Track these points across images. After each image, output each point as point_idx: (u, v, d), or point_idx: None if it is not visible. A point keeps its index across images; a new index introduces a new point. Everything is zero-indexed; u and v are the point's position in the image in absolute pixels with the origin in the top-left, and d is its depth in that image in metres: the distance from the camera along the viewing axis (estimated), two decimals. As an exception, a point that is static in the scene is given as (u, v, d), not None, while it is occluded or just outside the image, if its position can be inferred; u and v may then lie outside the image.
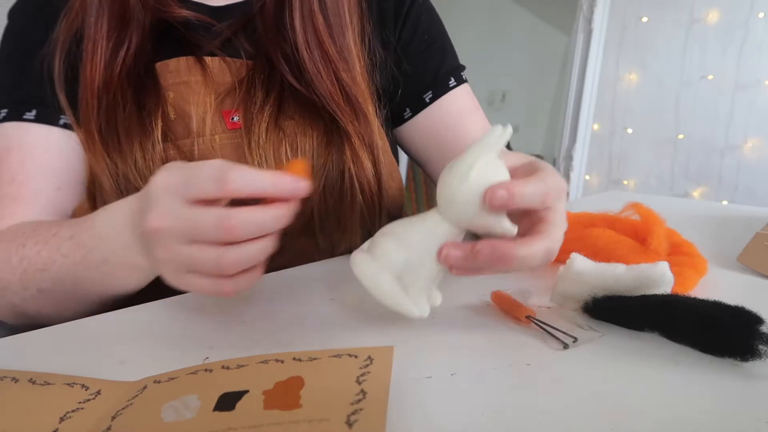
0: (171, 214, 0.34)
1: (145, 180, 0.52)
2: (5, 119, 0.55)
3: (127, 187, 0.53)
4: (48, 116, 0.56)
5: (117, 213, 0.42)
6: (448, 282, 0.41)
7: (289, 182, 0.34)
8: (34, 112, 0.55)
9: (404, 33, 0.66)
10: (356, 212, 0.59)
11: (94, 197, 0.56)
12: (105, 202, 0.54)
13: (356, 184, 0.58)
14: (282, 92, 0.57)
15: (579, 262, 0.44)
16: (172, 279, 0.37)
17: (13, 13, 0.60)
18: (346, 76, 0.58)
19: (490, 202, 0.33)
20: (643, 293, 0.41)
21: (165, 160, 0.54)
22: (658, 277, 0.42)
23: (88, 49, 0.54)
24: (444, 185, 0.35)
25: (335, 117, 0.57)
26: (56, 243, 0.46)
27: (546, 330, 0.39)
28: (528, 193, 0.34)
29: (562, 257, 0.47)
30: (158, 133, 0.53)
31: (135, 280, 0.45)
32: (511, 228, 0.34)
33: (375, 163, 0.59)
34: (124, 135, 0.53)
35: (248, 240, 0.34)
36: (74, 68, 0.55)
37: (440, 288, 0.39)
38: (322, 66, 0.57)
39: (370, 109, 0.60)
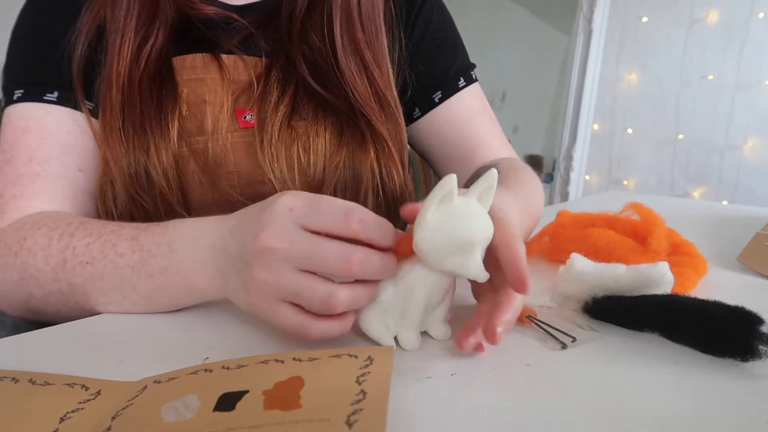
0: (290, 236, 0.33)
1: (161, 178, 0.52)
2: (21, 99, 0.54)
3: (138, 182, 0.52)
4: (71, 99, 0.55)
5: (198, 228, 0.41)
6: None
7: (398, 239, 0.35)
8: (55, 94, 0.54)
9: (416, 31, 0.66)
10: None
11: (104, 194, 0.55)
12: (115, 200, 0.54)
13: (378, 188, 0.58)
14: (297, 92, 0.57)
15: (579, 262, 0.44)
16: (261, 303, 0.35)
17: None
18: (381, 82, 0.59)
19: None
20: (643, 293, 0.41)
21: (178, 158, 0.54)
22: (658, 277, 0.42)
23: (115, 43, 0.53)
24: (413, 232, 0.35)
25: (352, 120, 0.57)
26: (113, 239, 0.43)
27: (546, 330, 0.39)
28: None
29: (562, 257, 0.47)
30: (174, 132, 0.53)
31: (178, 301, 0.43)
32: (484, 275, 0.33)
33: (403, 166, 0.60)
34: (143, 131, 0.52)
35: (356, 282, 0.34)
36: (92, 63, 0.55)
37: None
38: (356, 72, 0.58)
39: (400, 112, 0.60)
